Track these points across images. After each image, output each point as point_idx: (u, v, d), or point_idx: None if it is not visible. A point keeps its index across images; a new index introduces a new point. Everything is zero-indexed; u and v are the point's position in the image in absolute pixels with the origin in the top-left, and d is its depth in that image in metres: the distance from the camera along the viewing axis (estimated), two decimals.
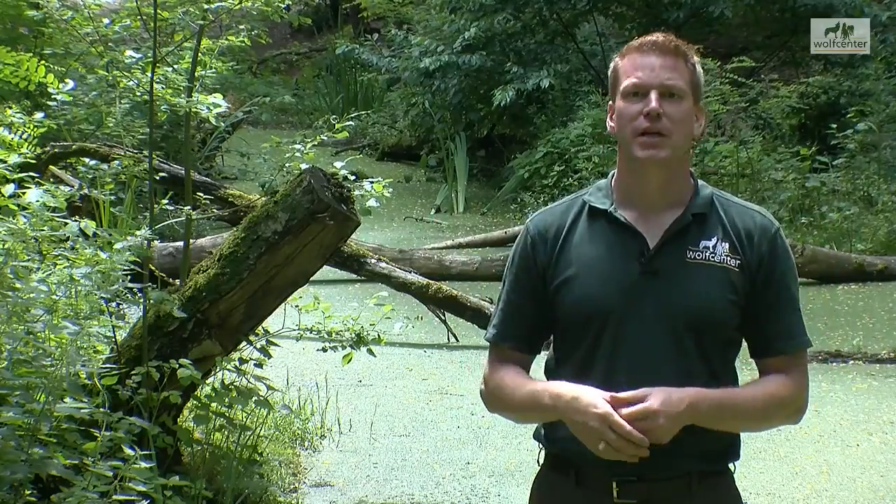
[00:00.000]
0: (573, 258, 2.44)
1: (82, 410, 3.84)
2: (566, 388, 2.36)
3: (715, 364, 2.41)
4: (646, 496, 2.38)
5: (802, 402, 2.45)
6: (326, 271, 8.38)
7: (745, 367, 2.51)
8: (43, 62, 5.50)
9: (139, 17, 4.90)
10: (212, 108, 4.73)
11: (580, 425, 2.32)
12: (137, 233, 4.37)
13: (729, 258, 2.40)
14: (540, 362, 2.59)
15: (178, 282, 4.88)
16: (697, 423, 2.33)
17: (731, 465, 2.48)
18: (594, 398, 2.31)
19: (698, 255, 2.40)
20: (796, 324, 2.44)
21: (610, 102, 2.47)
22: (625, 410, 2.29)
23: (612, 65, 2.48)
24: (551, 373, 2.51)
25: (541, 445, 2.53)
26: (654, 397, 2.29)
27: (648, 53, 2.40)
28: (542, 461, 2.54)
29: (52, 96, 5.17)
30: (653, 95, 2.37)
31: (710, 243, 2.41)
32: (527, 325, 2.51)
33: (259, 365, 4.87)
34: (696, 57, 2.45)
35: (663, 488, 2.39)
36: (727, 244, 2.41)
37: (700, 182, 2.49)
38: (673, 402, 2.30)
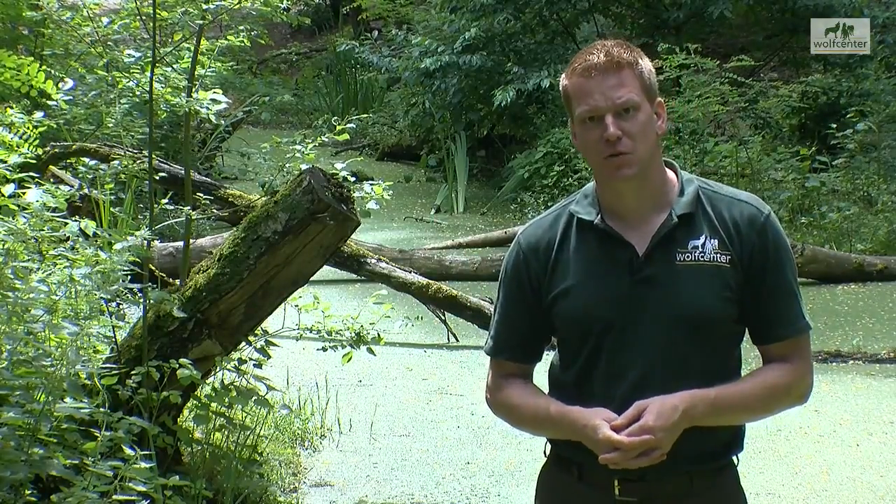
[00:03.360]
0: (567, 270, 2.45)
1: (82, 410, 3.85)
2: (575, 415, 2.38)
3: (716, 362, 2.42)
4: (647, 493, 2.39)
5: (806, 386, 2.45)
6: (326, 271, 8.38)
7: (746, 360, 2.52)
8: (44, 67, 5.51)
9: (139, 17, 4.90)
10: (211, 105, 4.73)
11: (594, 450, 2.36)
12: (137, 233, 4.37)
13: (719, 255, 2.39)
14: (543, 365, 2.60)
15: (178, 282, 4.88)
16: (696, 424, 2.34)
17: (734, 458, 2.49)
18: (593, 423, 2.34)
19: (688, 257, 2.39)
20: (794, 308, 2.43)
21: (570, 120, 2.46)
22: (624, 434, 2.31)
23: (560, 85, 2.46)
24: (555, 376, 2.52)
25: (546, 440, 2.55)
26: (648, 413, 2.31)
27: (593, 77, 2.37)
28: (547, 455, 2.56)
29: (52, 97, 5.18)
30: (608, 120, 2.36)
31: (699, 242, 2.40)
32: (523, 337, 2.53)
33: (259, 365, 4.88)
34: (641, 57, 2.42)
35: (665, 486, 2.40)
36: (716, 240, 2.40)
37: (686, 177, 2.48)
38: (666, 414, 2.31)
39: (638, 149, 2.37)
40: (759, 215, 2.43)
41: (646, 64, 2.42)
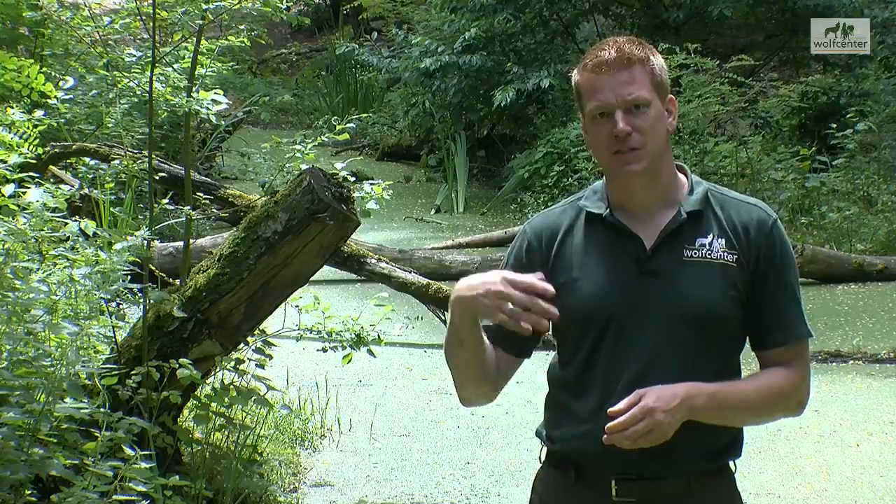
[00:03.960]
0: (571, 262, 2.45)
1: (82, 410, 3.85)
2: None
3: (718, 362, 2.41)
4: (644, 494, 2.39)
5: (803, 393, 2.45)
6: (326, 271, 8.37)
7: (745, 364, 2.51)
8: (44, 69, 5.51)
9: (139, 16, 4.90)
10: (211, 105, 4.73)
11: (476, 300, 2.29)
12: (137, 233, 4.37)
13: (726, 254, 2.40)
14: (542, 365, 2.59)
15: (178, 282, 4.88)
16: (695, 419, 2.33)
17: (731, 464, 2.48)
18: (490, 275, 2.30)
19: (695, 254, 2.40)
20: (795, 314, 2.43)
21: (581, 115, 2.47)
22: (621, 419, 2.29)
23: (572, 80, 2.47)
24: (555, 372, 2.51)
25: (542, 444, 2.53)
26: (648, 396, 2.30)
27: (603, 73, 2.38)
28: (543, 459, 2.55)
29: (53, 97, 5.18)
30: (618, 116, 2.36)
31: (707, 240, 2.41)
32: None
33: (260, 365, 4.88)
34: (652, 54, 2.42)
35: (662, 487, 2.39)
36: (723, 240, 2.41)
37: (695, 178, 2.49)
38: (666, 398, 2.30)
39: (648, 144, 2.38)
40: (767, 219, 2.43)
41: (657, 60, 2.43)
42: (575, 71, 2.46)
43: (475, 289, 2.31)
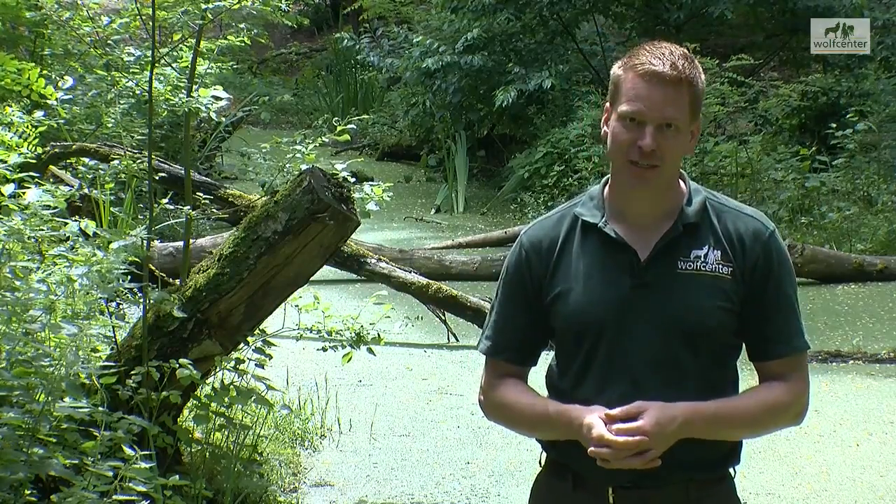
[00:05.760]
0: (567, 272, 2.44)
1: (82, 410, 3.85)
2: (573, 413, 2.37)
3: (712, 372, 2.41)
4: (642, 502, 2.39)
5: (802, 405, 2.45)
6: (326, 271, 8.38)
7: (746, 367, 2.51)
8: (44, 70, 5.52)
9: (139, 16, 4.90)
10: (212, 102, 4.73)
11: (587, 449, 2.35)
12: (133, 232, 4.37)
13: (721, 266, 2.39)
14: (542, 366, 2.59)
15: (178, 282, 4.88)
16: (692, 437, 2.34)
17: (731, 470, 2.48)
18: (589, 422, 2.33)
19: (689, 266, 2.39)
20: (793, 326, 2.43)
21: (608, 105, 2.43)
22: (616, 426, 2.29)
23: (614, 71, 2.42)
24: (552, 380, 2.51)
25: (542, 448, 2.54)
26: (647, 416, 2.30)
27: (651, 84, 2.35)
28: (542, 462, 2.55)
29: (52, 98, 5.19)
30: (648, 130, 2.34)
31: (702, 252, 2.40)
32: (520, 338, 2.52)
33: (260, 365, 4.88)
34: (700, 74, 2.40)
35: (660, 495, 2.39)
36: (719, 252, 2.40)
37: (693, 186, 2.48)
38: (664, 422, 2.30)
39: (665, 164, 2.37)
40: (764, 230, 2.42)
41: (702, 82, 2.41)
42: (620, 63, 2.42)
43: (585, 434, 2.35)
